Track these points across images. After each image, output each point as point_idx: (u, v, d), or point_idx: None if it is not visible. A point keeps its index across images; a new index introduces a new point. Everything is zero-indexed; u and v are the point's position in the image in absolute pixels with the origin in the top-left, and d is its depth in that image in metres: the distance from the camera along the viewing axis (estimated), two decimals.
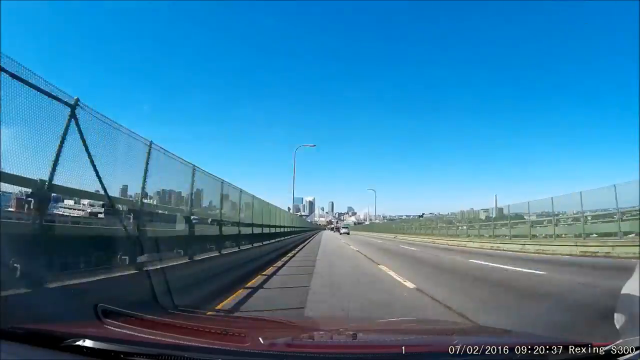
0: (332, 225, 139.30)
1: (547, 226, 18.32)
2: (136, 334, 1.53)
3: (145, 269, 4.30)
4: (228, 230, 8.93)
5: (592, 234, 15.23)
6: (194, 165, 6.66)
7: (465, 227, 27.72)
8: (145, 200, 5.09)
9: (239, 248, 9.30)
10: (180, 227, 6.69)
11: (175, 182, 6.50)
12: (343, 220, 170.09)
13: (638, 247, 10.78)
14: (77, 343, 1.36)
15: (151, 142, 4.90)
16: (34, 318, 2.42)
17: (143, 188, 4.90)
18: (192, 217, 6.58)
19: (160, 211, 6.41)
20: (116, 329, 1.57)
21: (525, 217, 20.61)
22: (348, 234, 63.54)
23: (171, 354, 1.32)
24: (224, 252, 7.95)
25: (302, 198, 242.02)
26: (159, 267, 4.59)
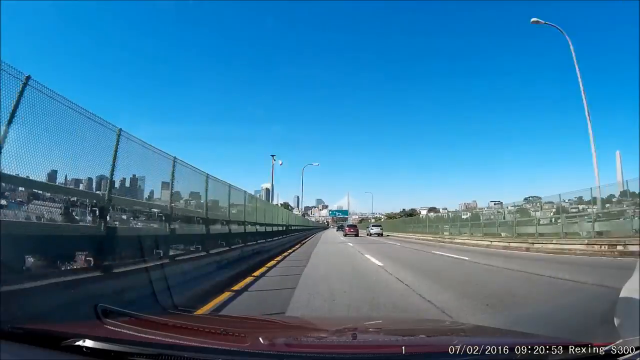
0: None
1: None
2: (136, 334, 1.53)
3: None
4: None
5: None
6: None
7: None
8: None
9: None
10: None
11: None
12: (312, 215, 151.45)
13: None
14: (77, 343, 1.36)
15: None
16: None
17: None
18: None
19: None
20: (116, 329, 1.57)
21: None
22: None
23: (171, 354, 1.32)
24: None
25: (261, 187, 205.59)
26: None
